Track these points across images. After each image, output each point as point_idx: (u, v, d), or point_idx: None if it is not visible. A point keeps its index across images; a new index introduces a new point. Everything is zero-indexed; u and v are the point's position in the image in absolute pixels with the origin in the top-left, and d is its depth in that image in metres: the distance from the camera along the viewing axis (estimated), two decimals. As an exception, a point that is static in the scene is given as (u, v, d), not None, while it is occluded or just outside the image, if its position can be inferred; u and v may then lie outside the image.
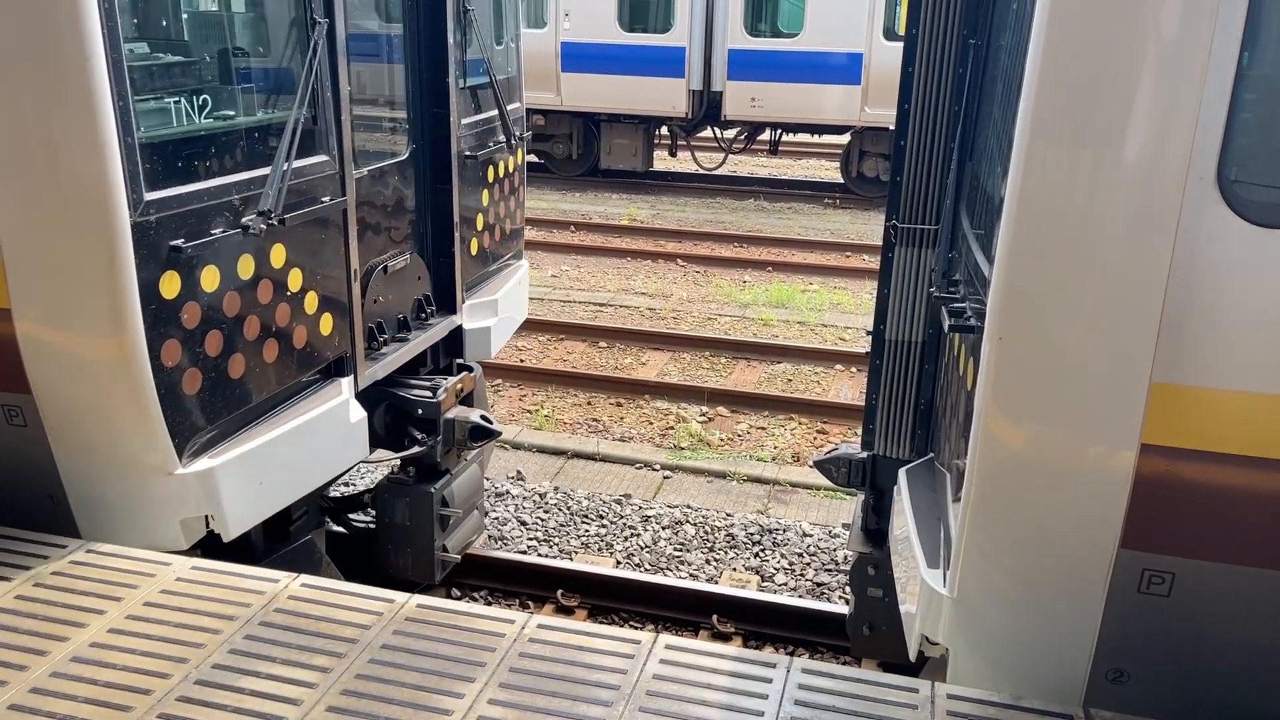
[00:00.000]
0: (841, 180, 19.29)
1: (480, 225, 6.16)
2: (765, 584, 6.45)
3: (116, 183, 3.39)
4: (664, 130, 19.38)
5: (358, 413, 4.76)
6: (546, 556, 6.67)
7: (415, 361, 5.64)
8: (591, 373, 9.98)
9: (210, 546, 4.15)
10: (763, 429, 8.99)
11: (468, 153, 5.83)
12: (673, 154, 20.19)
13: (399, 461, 5.53)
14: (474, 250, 6.11)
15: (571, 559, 6.64)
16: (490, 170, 6.20)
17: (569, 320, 11.50)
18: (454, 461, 5.60)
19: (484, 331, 6.03)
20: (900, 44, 17.45)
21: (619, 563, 6.66)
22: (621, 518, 7.14)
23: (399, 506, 5.43)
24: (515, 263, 6.81)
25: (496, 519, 7.12)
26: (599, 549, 6.82)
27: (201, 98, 3.92)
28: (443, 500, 5.46)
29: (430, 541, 5.43)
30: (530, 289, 12.66)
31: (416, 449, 5.30)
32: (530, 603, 6.26)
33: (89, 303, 3.53)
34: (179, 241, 3.66)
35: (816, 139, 20.86)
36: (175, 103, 3.79)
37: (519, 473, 7.88)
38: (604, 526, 7.05)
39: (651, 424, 9.05)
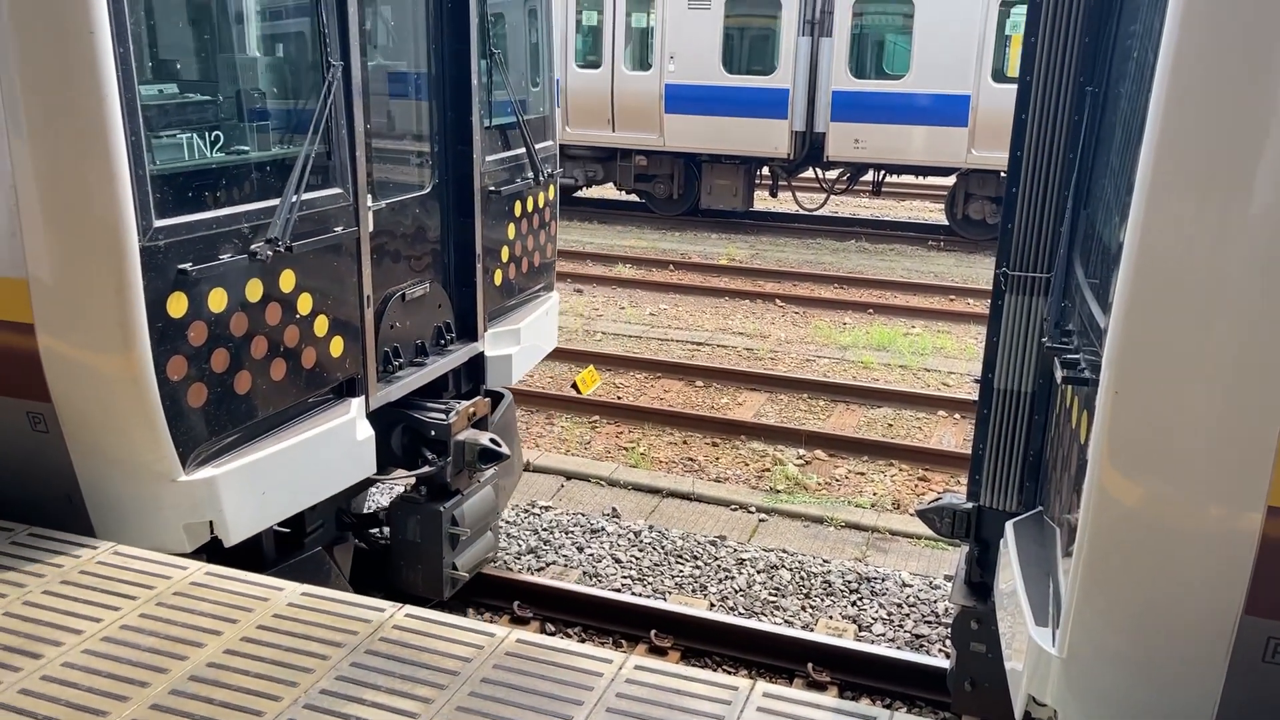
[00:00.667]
0: (946, 222, 19.01)
1: (505, 257, 6.31)
2: (863, 634, 6.33)
3: (127, 211, 3.67)
4: (765, 170, 19.44)
5: (364, 431, 4.93)
6: (641, 595, 6.67)
7: (439, 385, 5.79)
8: (688, 411, 9.99)
9: (219, 551, 4.33)
10: (862, 474, 8.86)
11: (492, 187, 5.98)
12: (773, 194, 20.21)
13: (414, 480, 5.68)
14: (498, 281, 6.25)
15: (665, 599, 6.63)
16: (517, 205, 6.35)
17: (666, 359, 11.56)
18: (465, 482, 5.74)
19: (505, 359, 6.17)
20: (1009, 86, 17.10)
21: (713, 605, 6.62)
22: (716, 560, 7.11)
23: (410, 524, 5.58)
24: (545, 294, 6.91)
25: (591, 555, 7.16)
26: (693, 590, 6.79)
27: (214, 134, 4.18)
28: (452, 519, 5.58)
29: (439, 559, 5.57)
30: (629, 326, 12.83)
31: (427, 468, 5.47)
32: (624, 641, 6.26)
33: (100, 320, 3.79)
34: (186, 265, 3.91)
35: (921, 180, 20.65)
36: (188, 138, 4.05)
37: (614, 510, 7.92)
38: (698, 568, 7.03)
39: (748, 465, 9.01)
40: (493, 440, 5.58)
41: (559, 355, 11.63)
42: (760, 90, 17.79)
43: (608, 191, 21.68)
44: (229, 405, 4.20)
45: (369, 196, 4.87)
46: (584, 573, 6.95)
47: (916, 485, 8.67)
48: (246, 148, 4.33)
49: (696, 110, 18.20)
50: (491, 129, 5.99)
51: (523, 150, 6.28)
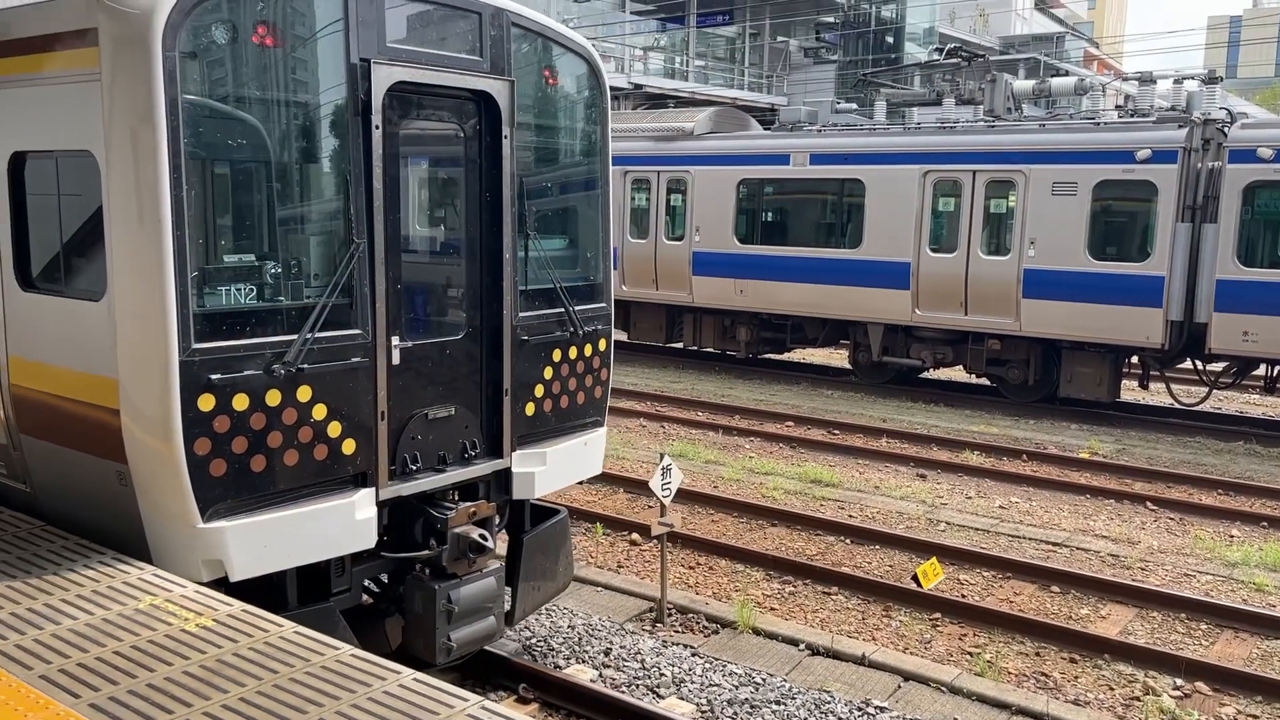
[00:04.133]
0: (1361, 427, 16.52)
1: (540, 394, 7.29)
2: None
3: (173, 337, 5.22)
4: (1134, 360, 18.05)
5: (365, 513, 6.08)
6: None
7: (473, 491, 6.89)
8: (1042, 620, 9.17)
9: (245, 591, 5.57)
10: (1255, 718, 7.61)
11: (525, 336, 7.06)
12: (1144, 385, 18.66)
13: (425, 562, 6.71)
14: (529, 411, 7.22)
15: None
16: (556, 352, 7.40)
17: (1017, 557, 10.77)
18: (464, 569, 6.71)
19: (529, 475, 7.21)
20: None
21: None
22: (1074, 796, 6.33)
23: (415, 598, 6.66)
24: (592, 428, 7.84)
25: (929, 769, 6.64)
26: (1046, 828, 6.06)
27: (250, 287, 5.58)
28: (447, 598, 6.57)
29: (434, 629, 6.56)
30: (976, 518, 12.21)
31: (426, 552, 6.62)
32: None
33: (151, 408, 5.31)
34: (215, 376, 5.35)
35: (1327, 378, 18.19)
36: (227, 289, 5.49)
37: (956, 721, 7.34)
38: (1053, 802, 6.28)
39: (1112, 690, 8.05)
40: (481, 535, 6.60)
41: (898, 544, 11.22)
42: (1131, 277, 16.73)
43: (956, 374, 21.08)
44: (244, 478, 5.53)
45: (395, 337, 6.22)
46: (920, 787, 6.44)
47: (1330, 742, 7.31)
48: (280, 298, 5.72)
49: (1057, 296, 17.40)
50: (529, 291, 7.12)
51: (563, 309, 7.39)
